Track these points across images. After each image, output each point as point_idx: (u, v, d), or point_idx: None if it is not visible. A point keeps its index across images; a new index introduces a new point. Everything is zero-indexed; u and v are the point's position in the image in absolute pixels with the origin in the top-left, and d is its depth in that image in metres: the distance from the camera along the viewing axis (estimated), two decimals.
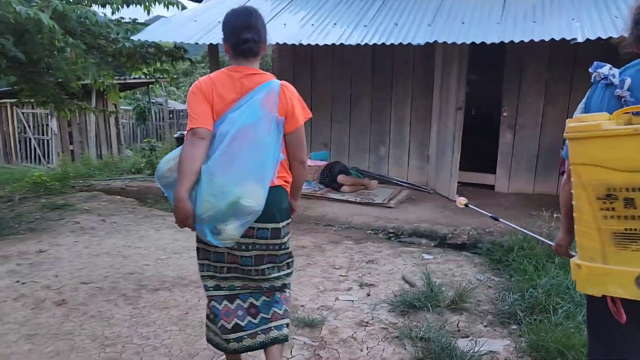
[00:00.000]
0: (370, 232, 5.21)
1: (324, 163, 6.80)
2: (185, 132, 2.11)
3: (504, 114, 6.77)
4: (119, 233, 4.70)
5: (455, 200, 3.48)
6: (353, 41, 4.99)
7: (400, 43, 4.88)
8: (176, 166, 2.00)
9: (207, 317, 2.28)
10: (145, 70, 6.90)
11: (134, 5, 6.05)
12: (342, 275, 3.82)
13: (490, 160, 7.06)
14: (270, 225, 2.09)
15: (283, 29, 5.49)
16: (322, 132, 7.62)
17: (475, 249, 4.76)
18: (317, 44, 5.06)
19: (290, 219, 2.22)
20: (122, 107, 16.33)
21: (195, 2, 7.24)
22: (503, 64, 6.74)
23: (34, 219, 5.15)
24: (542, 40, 4.57)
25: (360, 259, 4.21)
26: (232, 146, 1.95)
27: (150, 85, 16.15)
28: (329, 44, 5.02)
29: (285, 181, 2.17)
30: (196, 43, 5.37)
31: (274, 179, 2.06)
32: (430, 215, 5.69)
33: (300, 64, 7.76)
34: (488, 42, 4.58)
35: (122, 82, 9.84)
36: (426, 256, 4.31)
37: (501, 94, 6.84)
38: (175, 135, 8.40)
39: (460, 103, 6.27)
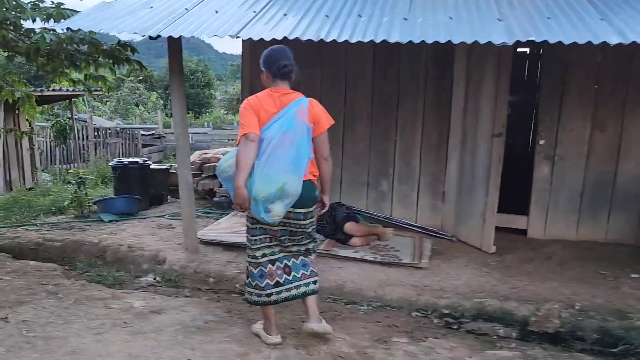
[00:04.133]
0: (419, 314, 3.63)
1: None
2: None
3: (541, 141, 5.47)
4: (32, 348, 2.74)
5: None
6: (352, 37, 3.47)
7: (437, 42, 3.37)
8: (234, 162, 2.70)
9: (249, 284, 2.98)
10: (72, 75, 4.95)
11: None
12: None
13: (520, 198, 5.74)
14: (302, 210, 2.86)
15: (275, 22, 3.84)
16: None
17: (579, 341, 3.32)
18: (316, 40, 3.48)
19: (316, 205, 2.97)
20: (37, 123, 13.83)
21: None
22: (539, 80, 5.46)
23: None
24: (591, 50, 3.26)
25: None
26: (277, 147, 2.67)
27: (72, 99, 13.78)
28: (316, 39, 3.47)
29: (314, 175, 2.92)
30: (158, 36, 3.59)
31: (306, 173, 2.80)
32: (480, 279, 4.21)
33: None
34: (566, 42, 3.16)
35: (39, 94, 7.69)
36: None
37: (536, 118, 5.55)
38: (112, 164, 6.41)
39: (500, 128, 4.89)
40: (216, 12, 4.03)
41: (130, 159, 6.43)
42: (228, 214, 5.88)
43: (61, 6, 4.22)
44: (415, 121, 5.78)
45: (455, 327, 3.47)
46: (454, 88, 5.52)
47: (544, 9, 3.77)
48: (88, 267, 4.30)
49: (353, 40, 3.43)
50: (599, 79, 5.21)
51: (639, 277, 4.36)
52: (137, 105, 23.93)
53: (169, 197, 7.01)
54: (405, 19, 3.72)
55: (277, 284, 2.92)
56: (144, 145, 16.07)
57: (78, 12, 4.11)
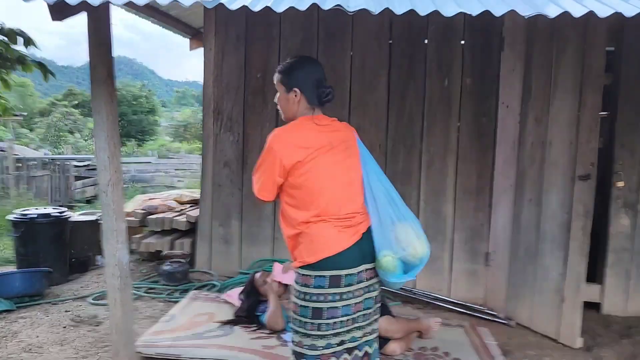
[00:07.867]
0: None
1: None
2: None
3: (619, 183, 4.02)
4: None
5: None
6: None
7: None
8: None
9: None
10: None
11: None
12: None
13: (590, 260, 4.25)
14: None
15: None
16: None
17: None
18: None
19: None
20: None
21: None
22: (616, 99, 4.05)
23: None
24: None
25: None
26: (392, 194, 2.09)
27: None
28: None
29: None
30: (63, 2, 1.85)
31: None
32: None
33: (252, 91, 4.44)
34: None
35: None
36: None
37: (611, 151, 4.11)
38: (12, 217, 4.41)
39: (587, 167, 3.39)
40: None
41: (41, 210, 4.48)
42: (183, 289, 4.05)
43: None
44: (446, 157, 4.23)
45: None
46: (502, 111, 4.03)
47: None
48: None
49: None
50: None
51: None
52: (72, 133, 21.39)
53: (98, 258, 5.08)
54: None
55: None
56: (77, 178, 13.85)
57: None
